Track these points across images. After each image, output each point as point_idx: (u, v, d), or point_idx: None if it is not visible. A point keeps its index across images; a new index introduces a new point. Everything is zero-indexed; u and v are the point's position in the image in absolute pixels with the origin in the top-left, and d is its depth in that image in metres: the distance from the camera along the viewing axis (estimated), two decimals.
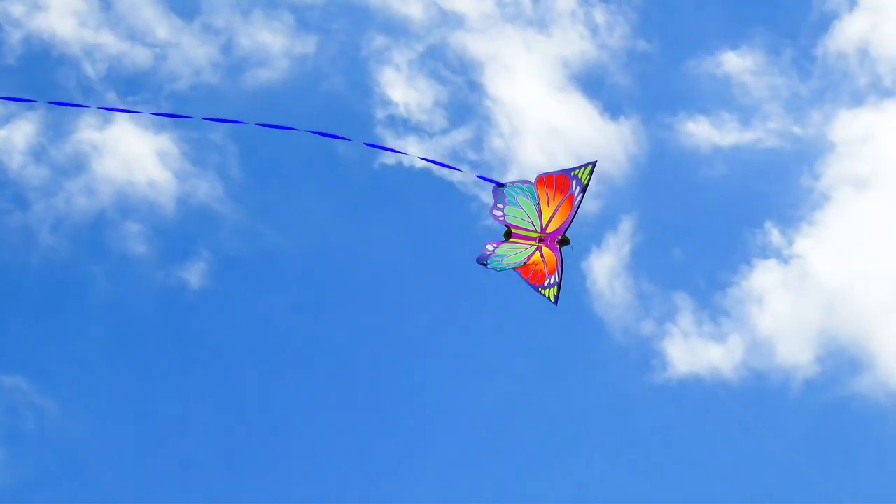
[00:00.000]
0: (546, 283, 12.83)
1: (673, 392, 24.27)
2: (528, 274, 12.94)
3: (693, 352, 24.14)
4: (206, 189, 24.98)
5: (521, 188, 12.82)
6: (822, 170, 26.15)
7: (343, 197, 25.54)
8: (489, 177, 13.06)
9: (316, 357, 23.90)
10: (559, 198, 12.68)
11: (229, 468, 22.31)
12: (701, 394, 23.75)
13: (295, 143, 24.73)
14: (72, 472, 22.08)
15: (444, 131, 26.10)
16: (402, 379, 23.73)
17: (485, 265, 13.06)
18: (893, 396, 23.46)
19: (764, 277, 25.02)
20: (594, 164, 12.57)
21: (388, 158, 24.95)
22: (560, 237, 12.77)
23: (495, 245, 13.03)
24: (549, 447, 23.23)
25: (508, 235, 12.93)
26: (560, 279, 12.75)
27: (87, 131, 25.02)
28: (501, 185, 12.88)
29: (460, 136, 26.03)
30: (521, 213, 12.88)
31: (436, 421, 23.29)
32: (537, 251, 12.85)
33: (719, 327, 24.39)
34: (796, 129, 26.60)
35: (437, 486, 22.48)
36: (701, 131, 26.40)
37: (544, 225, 12.79)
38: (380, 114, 26.14)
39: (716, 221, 25.93)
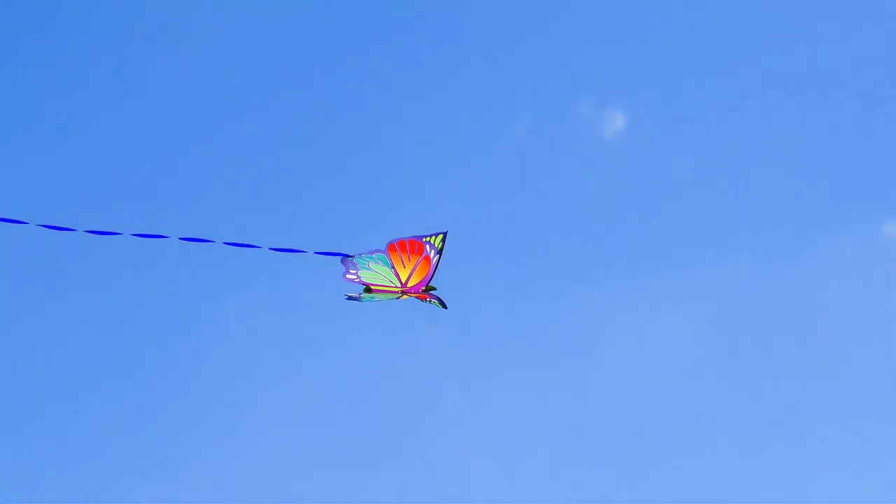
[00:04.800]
0: (427, 301, 12.88)
1: None
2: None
3: None
4: None
5: (370, 258, 12.93)
6: None
7: None
8: (330, 251, 13.04)
9: None
10: (415, 259, 12.86)
11: None
12: None
13: None
14: None
15: None
16: None
17: (357, 300, 13.14)
18: None
19: None
20: (445, 233, 12.92)
21: None
22: (425, 286, 12.84)
23: (358, 294, 13.01)
24: None
25: (368, 291, 12.98)
26: (439, 298, 12.82)
27: None
28: (349, 256, 12.93)
29: None
30: (376, 276, 12.96)
31: None
32: (404, 294, 12.91)
33: None
34: None
35: None
36: None
37: (404, 282, 12.89)
38: None
39: None
